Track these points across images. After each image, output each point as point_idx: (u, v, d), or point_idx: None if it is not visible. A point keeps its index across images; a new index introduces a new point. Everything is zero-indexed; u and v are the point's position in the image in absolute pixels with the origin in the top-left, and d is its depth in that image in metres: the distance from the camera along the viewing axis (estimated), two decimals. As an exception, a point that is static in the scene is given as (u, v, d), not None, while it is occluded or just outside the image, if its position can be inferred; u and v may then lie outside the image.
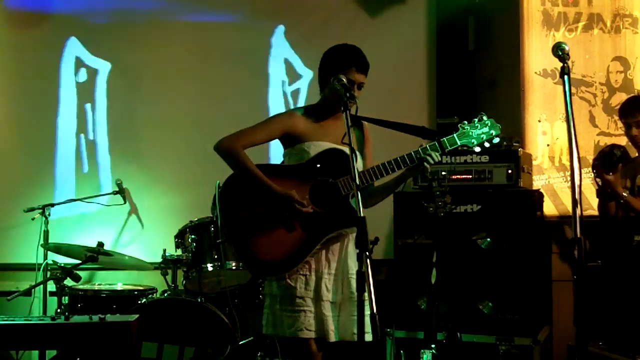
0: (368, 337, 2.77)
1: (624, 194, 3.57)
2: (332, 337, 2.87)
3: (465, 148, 2.98)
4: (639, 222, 3.65)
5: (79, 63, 5.17)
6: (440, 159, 2.92)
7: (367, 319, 2.76)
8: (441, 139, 2.92)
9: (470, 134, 2.95)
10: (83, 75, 5.17)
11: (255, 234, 2.90)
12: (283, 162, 3.10)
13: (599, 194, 3.71)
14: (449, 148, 2.94)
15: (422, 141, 3.07)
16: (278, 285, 2.93)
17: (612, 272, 3.84)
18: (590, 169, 4.63)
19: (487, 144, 2.96)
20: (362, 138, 3.13)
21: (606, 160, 3.57)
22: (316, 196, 2.92)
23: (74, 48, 5.17)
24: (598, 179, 3.65)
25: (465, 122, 2.98)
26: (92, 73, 5.19)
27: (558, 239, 4.66)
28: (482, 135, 2.95)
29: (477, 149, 3.00)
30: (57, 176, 5.08)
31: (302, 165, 2.96)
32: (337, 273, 2.93)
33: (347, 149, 2.83)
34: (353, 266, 2.90)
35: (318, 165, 2.94)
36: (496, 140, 2.97)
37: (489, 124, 2.97)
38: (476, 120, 2.97)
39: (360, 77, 2.94)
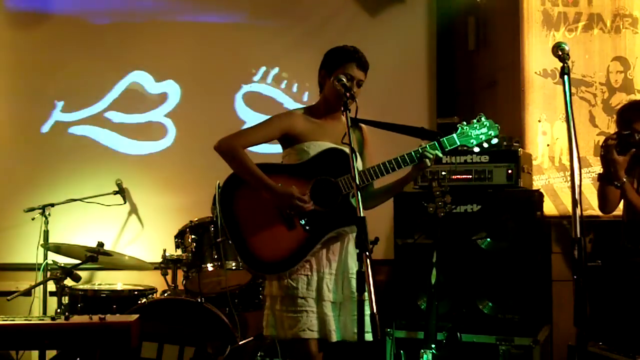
0: (368, 336, 2.76)
1: (624, 179, 3.54)
2: (334, 337, 2.87)
3: (464, 148, 3.01)
4: None
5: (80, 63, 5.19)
6: (441, 156, 2.95)
7: (367, 319, 2.79)
8: (441, 139, 2.95)
9: (470, 134, 2.98)
10: (84, 75, 5.18)
11: (256, 232, 2.90)
12: (282, 162, 3.09)
13: (600, 177, 3.67)
14: (449, 148, 2.96)
15: (422, 142, 3.07)
16: (279, 286, 2.92)
17: (612, 272, 3.84)
18: (589, 169, 4.65)
19: (486, 145, 3.00)
20: (361, 139, 3.13)
21: (623, 140, 3.51)
22: (317, 195, 2.91)
23: (75, 48, 5.19)
24: (604, 158, 3.57)
25: (464, 122, 3.01)
26: (92, 73, 5.19)
27: (558, 239, 4.66)
28: (481, 136, 2.98)
29: (477, 150, 3.03)
30: (57, 176, 5.08)
31: (303, 165, 2.95)
32: (337, 273, 2.93)
33: (347, 149, 2.84)
34: (353, 266, 2.90)
35: (318, 164, 2.93)
36: (495, 140, 3.01)
37: (488, 125, 3.00)
38: (475, 121, 3.00)
39: (360, 74, 2.96)
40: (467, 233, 3.95)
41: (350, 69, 2.93)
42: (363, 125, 3.13)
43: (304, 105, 3.10)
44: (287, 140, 3.03)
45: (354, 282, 2.85)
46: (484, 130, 2.99)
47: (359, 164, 3.00)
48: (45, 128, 5.14)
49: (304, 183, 2.92)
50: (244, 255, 2.94)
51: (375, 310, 2.22)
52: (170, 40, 5.22)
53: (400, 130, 3.02)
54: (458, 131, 2.98)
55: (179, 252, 4.25)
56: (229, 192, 2.98)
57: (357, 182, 2.51)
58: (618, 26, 4.79)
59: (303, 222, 2.89)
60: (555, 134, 4.80)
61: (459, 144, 2.97)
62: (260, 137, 3.00)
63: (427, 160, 2.91)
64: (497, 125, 3.01)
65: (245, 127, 3.09)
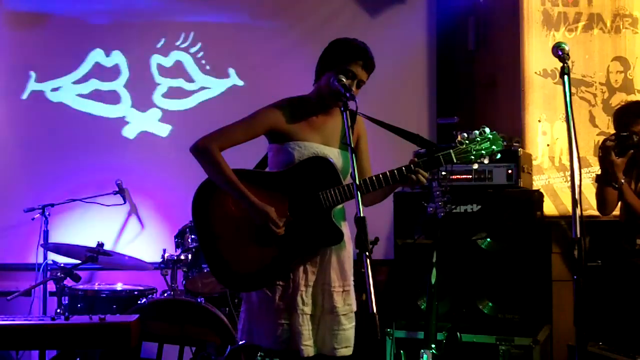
0: (348, 351, 2.74)
1: (622, 180, 3.56)
2: (308, 352, 2.68)
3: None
4: None
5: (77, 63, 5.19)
6: (425, 180, 2.71)
7: (347, 333, 2.75)
8: (436, 155, 2.70)
9: (469, 149, 2.71)
10: (82, 75, 5.19)
11: (229, 245, 2.72)
12: (266, 155, 2.88)
13: (598, 178, 3.69)
14: (444, 165, 2.74)
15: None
16: (257, 293, 2.76)
17: (612, 272, 3.85)
18: (589, 169, 4.65)
19: (486, 161, 2.75)
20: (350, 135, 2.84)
21: (622, 142, 3.51)
22: (296, 209, 2.70)
23: (75, 48, 5.19)
24: (603, 159, 3.58)
25: (465, 134, 2.73)
26: (91, 72, 5.19)
27: (558, 239, 4.66)
28: (481, 152, 2.72)
29: (475, 166, 2.89)
30: (57, 176, 5.08)
31: (284, 174, 2.73)
32: (316, 285, 2.74)
33: (332, 156, 2.75)
34: (336, 279, 2.76)
35: (300, 176, 2.71)
36: (498, 156, 2.76)
37: (491, 139, 2.72)
38: (477, 133, 2.73)
39: (363, 75, 2.74)
40: (467, 233, 3.95)
41: (355, 67, 2.70)
42: (359, 120, 2.85)
43: (292, 97, 2.84)
44: (272, 136, 2.80)
45: (335, 296, 2.74)
46: (486, 144, 2.71)
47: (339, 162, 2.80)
48: (44, 127, 5.14)
49: (283, 196, 2.71)
50: (215, 267, 2.76)
51: (375, 310, 2.19)
52: (170, 40, 5.22)
53: (397, 132, 2.86)
54: (456, 147, 2.71)
55: (179, 252, 4.26)
56: (203, 198, 2.75)
57: (357, 183, 2.37)
58: (618, 26, 4.79)
59: (277, 239, 2.68)
60: (555, 134, 4.80)
61: (455, 161, 2.71)
62: (242, 136, 2.74)
63: (411, 182, 2.67)
64: (501, 139, 2.76)
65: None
